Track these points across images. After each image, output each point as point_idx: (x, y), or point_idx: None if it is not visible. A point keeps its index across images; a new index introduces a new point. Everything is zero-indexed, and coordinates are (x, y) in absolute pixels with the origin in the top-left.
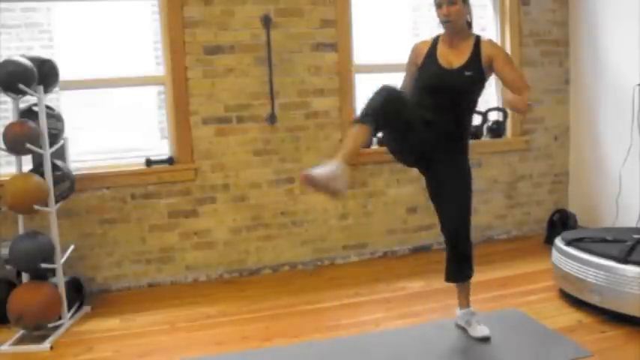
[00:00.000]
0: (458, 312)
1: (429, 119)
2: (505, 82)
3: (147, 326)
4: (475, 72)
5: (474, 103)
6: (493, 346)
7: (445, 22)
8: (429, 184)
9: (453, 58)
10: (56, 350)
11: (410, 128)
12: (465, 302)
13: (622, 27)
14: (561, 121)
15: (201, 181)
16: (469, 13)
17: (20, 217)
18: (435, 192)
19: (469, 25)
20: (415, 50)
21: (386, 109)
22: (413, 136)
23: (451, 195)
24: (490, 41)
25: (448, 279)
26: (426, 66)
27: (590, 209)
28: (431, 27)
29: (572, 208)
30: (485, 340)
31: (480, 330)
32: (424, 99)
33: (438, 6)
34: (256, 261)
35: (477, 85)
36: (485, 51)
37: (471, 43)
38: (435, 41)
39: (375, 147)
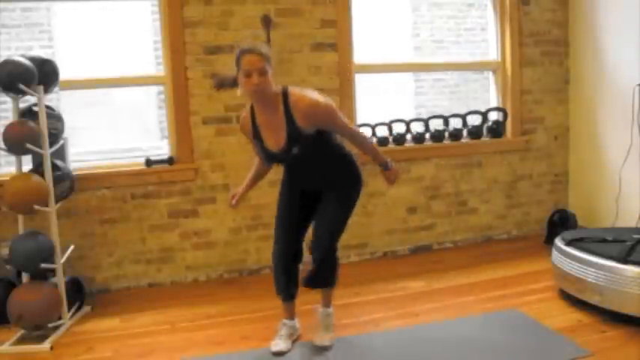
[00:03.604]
0: (320, 310)
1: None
2: (344, 137)
3: (147, 326)
4: (301, 140)
5: (328, 142)
6: (493, 346)
7: (254, 92)
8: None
9: (274, 139)
10: (56, 350)
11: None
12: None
13: (622, 27)
14: (561, 121)
15: (201, 181)
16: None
17: (20, 217)
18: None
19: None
20: (243, 128)
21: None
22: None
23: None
24: (300, 97)
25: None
26: (258, 147)
27: (590, 209)
28: (431, 27)
29: (572, 208)
30: (325, 349)
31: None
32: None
33: (247, 75)
34: (256, 261)
35: (311, 144)
36: (298, 114)
37: (280, 106)
38: (252, 114)
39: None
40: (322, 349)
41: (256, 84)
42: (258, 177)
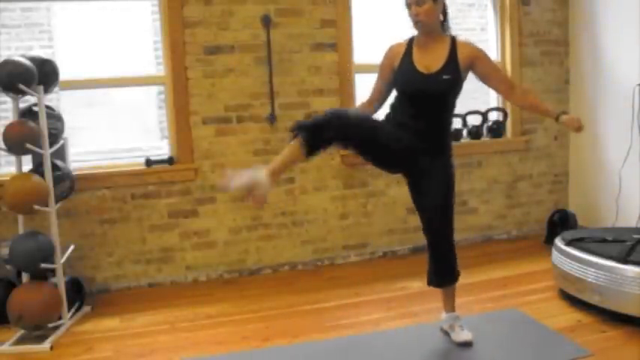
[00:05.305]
0: (443, 316)
1: (410, 126)
2: (491, 83)
3: (147, 326)
4: (452, 75)
5: (453, 105)
6: (493, 346)
7: (415, 22)
8: (412, 188)
9: (429, 62)
10: (56, 350)
11: (381, 142)
12: (449, 306)
13: (622, 27)
14: None
15: (201, 181)
16: (442, 12)
17: (20, 217)
18: (418, 194)
19: (443, 25)
20: (390, 52)
21: (329, 124)
22: (391, 149)
23: (434, 196)
24: (467, 42)
25: (430, 283)
26: (403, 70)
27: (590, 209)
28: None
29: (572, 208)
30: (467, 345)
31: (463, 335)
32: (403, 104)
33: (408, 6)
34: (256, 261)
35: (454, 88)
36: (462, 52)
37: (446, 44)
38: (410, 43)
39: None
40: (466, 344)
41: (414, 14)
42: None
